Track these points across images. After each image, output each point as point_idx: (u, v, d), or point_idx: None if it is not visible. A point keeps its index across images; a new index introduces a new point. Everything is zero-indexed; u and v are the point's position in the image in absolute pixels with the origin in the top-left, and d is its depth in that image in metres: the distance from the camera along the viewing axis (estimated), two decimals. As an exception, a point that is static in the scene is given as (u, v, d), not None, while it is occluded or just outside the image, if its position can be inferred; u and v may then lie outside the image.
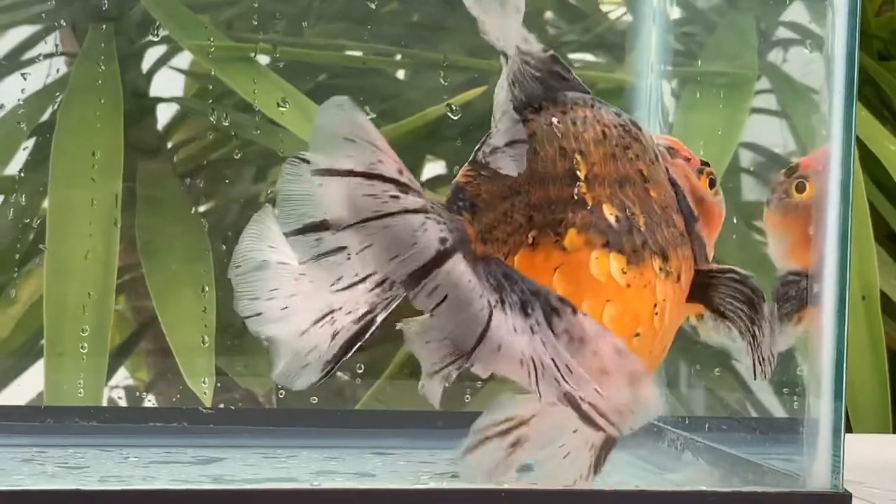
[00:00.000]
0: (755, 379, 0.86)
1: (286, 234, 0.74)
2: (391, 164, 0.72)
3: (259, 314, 0.78)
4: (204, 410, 1.07)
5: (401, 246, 0.72)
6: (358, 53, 1.57)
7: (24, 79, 1.39)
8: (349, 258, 0.74)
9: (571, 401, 0.76)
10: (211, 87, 1.59)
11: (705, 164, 0.88)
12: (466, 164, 0.80)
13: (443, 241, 0.73)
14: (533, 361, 0.75)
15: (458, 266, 0.73)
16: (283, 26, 1.55)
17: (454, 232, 0.73)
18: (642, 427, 0.84)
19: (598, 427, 0.77)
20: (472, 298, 0.73)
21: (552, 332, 0.76)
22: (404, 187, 0.72)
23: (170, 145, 1.58)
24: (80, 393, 1.25)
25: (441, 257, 0.73)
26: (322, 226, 0.73)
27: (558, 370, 0.75)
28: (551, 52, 0.81)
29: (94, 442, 1.03)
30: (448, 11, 1.50)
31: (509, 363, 0.75)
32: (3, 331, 1.40)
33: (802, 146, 1.41)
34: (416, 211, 0.72)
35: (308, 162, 0.72)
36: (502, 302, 0.75)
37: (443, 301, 0.73)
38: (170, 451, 1.01)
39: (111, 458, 0.98)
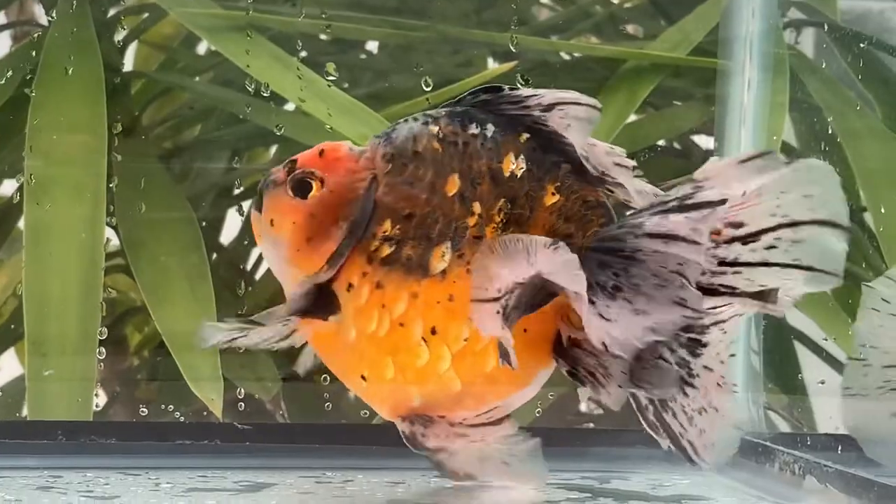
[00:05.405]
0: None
1: None
2: None
3: None
4: (241, 427, 0.93)
5: None
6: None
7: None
8: None
9: None
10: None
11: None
12: None
13: None
14: None
15: None
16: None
17: None
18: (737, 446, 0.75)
19: None
20: None
21: None
22: None
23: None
24: (76, 399, 1.09)
25: None
26: None
27: None
28: None
29: (115, 463, 0.90)
30: None
31: None
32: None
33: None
34: None
35: None
36: None
37: None
38: (206, 476, 0.88)
39: (141, 485, 0.85)
